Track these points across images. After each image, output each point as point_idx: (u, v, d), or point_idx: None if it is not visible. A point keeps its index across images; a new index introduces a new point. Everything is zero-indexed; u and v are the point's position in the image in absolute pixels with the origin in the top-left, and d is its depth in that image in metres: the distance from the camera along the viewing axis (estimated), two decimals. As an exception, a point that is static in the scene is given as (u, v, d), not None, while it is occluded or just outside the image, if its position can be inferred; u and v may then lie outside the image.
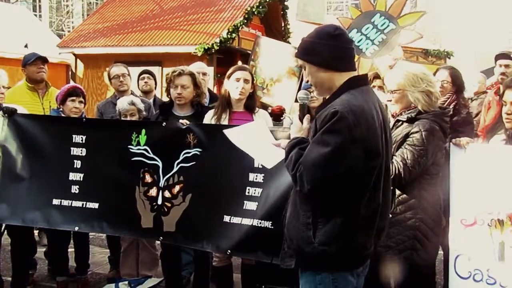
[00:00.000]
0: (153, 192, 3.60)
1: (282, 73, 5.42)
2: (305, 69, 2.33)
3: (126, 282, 4.11)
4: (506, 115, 3.02)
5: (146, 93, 5.30)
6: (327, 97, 2.30)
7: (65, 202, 3.76)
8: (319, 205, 2.20)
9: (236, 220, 3.36)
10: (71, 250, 4.29)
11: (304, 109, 2.45)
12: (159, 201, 3.58)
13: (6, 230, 4.25)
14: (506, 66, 4.78)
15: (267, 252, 3.10)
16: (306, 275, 2.29)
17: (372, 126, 2.15)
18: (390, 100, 3.08)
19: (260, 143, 2.91)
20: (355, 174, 2.12)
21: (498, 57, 4.88)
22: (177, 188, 3.56)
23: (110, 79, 5.00)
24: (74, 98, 4.13)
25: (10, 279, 4.19)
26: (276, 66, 5.50)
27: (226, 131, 3.08)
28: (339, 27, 2.32)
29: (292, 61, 5.14)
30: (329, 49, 2.24)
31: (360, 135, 2.10)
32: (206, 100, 4.52)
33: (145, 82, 5.31)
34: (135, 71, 5.34)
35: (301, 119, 2.40)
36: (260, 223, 3.28)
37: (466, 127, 4.00)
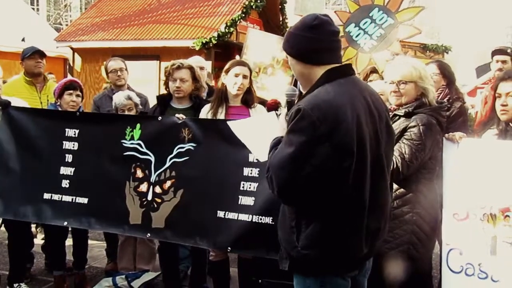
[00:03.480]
0: (143, 187, 3.53)
1: (267, 64, 5.42)
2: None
3: (124, 276, 4.11)
4: (501, 106, 3.00)
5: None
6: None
7: (55, 197, 3.73)
8: (300, 208, 2.09)
9: (231, 215, 3.28)
10: (68, 244, 4.29)
11: (292, 106, 2.29)
12: (149, 197, 3.50)
13: (3, 224, 4.25)
14: (503, 62, 4.77)
15: (269, 249, 3.00)
16: (297, 277, 2.22)
17: (343, 122, 1.97)
18: (396, 91, 3.01)
19: (263, 136, 2.90)
20: (325, 174, 1.97)
21: (495, 52, 4.88)
22: (168, 183, 3.48)
23: (107, 73, 4.91)
24: (71, 91, 4.11)
25: (7, 273, 4.20)
26: (263, 56, 5.50)
27: (231, 123, 3.05)
28: (319, 17, 2.12)
29: (278, 51, 5.14)
30: (305, 41, 2.09)
31: (327, 132, 1.94)
32: (204, 94, 4.52)
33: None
34: (133, 65, 5.25)
35: None
36: (260, 218, 3.20)
37: (457, 120, 4.00)
